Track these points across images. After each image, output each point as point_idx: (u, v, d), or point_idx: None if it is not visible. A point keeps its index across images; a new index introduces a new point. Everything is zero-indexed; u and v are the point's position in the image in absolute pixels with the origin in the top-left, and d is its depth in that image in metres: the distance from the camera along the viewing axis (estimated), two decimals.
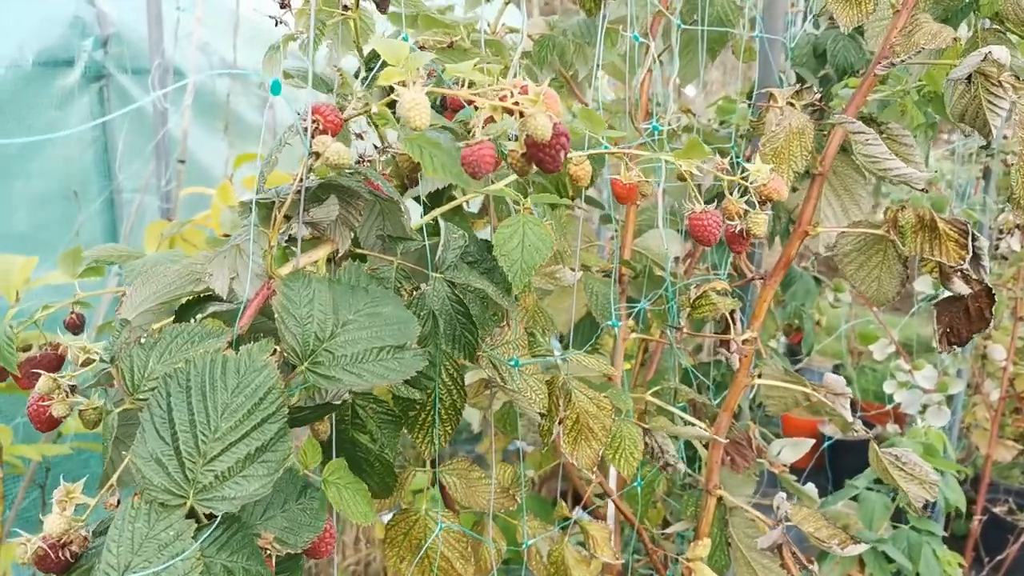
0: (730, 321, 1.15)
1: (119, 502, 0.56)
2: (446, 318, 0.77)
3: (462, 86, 0.64)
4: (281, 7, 0.83)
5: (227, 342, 0.58)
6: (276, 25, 0.73)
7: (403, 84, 0.60)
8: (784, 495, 1.22)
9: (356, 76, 0.79)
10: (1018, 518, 2.98)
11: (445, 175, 0.61)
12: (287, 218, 0.64)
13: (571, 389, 1.02)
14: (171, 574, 0.48)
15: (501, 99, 0.61)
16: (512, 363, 0.93)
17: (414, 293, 0.75)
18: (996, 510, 3.05)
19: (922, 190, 1.09)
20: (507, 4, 1.31)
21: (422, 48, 0.92)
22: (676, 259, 1.59)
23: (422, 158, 0.61)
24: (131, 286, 0.65)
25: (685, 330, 1.16)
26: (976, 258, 1.09)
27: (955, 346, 1.19)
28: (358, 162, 0.75)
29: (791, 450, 1.47)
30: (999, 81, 1.03)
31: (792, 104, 1.11)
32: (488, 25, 1.32)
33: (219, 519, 0.52)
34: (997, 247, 2.78)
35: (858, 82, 1.35)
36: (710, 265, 1.65)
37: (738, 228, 0.92)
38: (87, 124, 2.32)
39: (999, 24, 1.16)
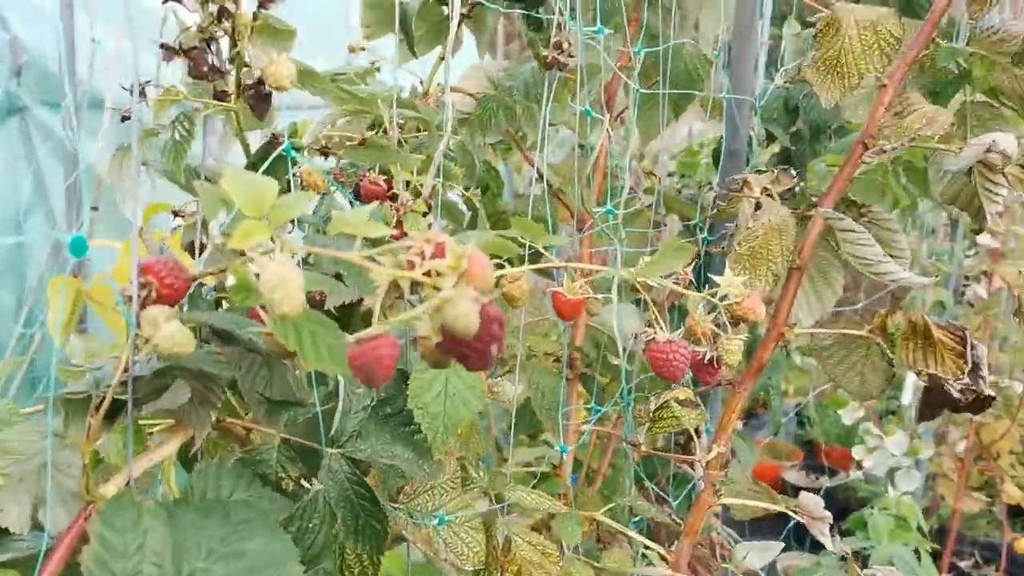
0: (694, 436, 0.99)
1: None
2: (347, 506, 0.60)
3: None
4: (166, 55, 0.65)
5: None
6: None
7: (266, 250, 0.43)
8: None
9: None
10: (984, 572, 2.88)
11: (334, 366, 0.45)
12: (109, 419, 0.47)
13: (511, 536, 0.85)
14: None
15: (409, 264, 0.45)
16: (438, 521, 0.77)
17: (302, 484, 0.58)
18: (962, 564, 2.94)
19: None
20: (442, 60, 1.14)
21: (324, 150, 0.75)
22: (635, 335, 1.44)
23: (300, 346, 0.44)
24: None
25: (644, 448, 1.00)
26: (975, 368, 0.95)
27: (931, 420, 1.05)
28: None
29: (759, 555, 1.33)
30: (1002, 171, 0.89)
31: (769, 194, 0.96)
32: (421, 84, 1.16)
33: None
34: (963, 294, 2.70)
35: (836, 159, 1.22)
36: None
37: (707, 356, 0.76)
38: None
39: (993, 99, 1.03)
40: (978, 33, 0.99)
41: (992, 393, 0.98)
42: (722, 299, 0.75)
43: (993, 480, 2.93)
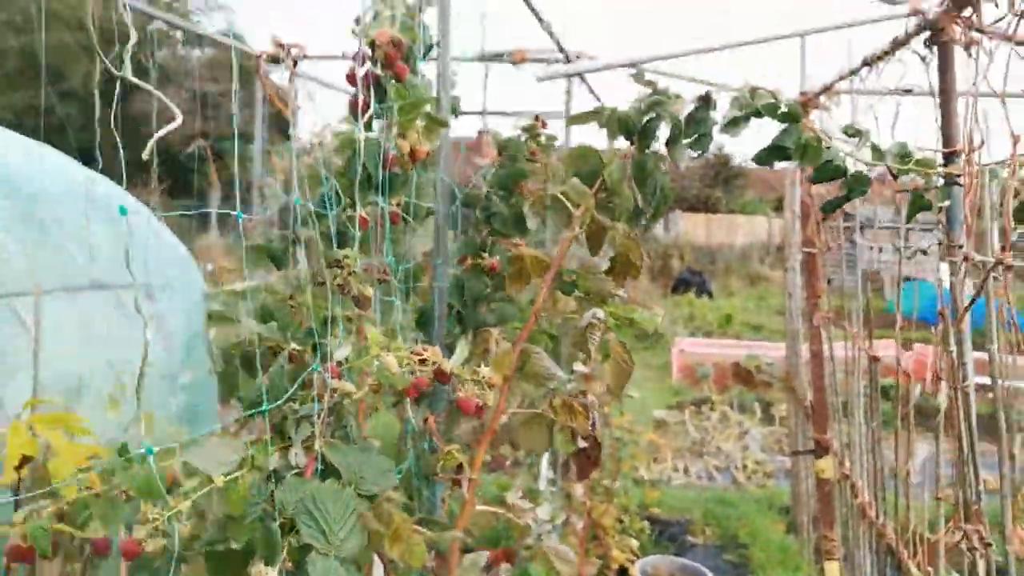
0: (464, 467, 1.88)
1: None
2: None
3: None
4: None
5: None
6: None
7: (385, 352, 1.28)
8: None
9: None
10: None
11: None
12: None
13: None
14: None
15: (418, 356, 1.33)
16: None
17: None
18: None
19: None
20: None
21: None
22: None
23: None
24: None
25: (440, 475, 1.87)
26: (594, 424, 1.97)
27: (585, 478, 2.04)
28: None
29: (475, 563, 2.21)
30: (598, 327, 1.94)
31: (498, 338, 1.92)
32: None
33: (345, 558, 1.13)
34: None
35: (518, 325, 2.23)
36: None
37: (479, 403, 1.67)
38: None
39: (586, 295, 2.10)
40: (583, 263, 2.07)
41: (601, 440, 2.00)
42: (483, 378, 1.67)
43: (606, 553, 4.08)
